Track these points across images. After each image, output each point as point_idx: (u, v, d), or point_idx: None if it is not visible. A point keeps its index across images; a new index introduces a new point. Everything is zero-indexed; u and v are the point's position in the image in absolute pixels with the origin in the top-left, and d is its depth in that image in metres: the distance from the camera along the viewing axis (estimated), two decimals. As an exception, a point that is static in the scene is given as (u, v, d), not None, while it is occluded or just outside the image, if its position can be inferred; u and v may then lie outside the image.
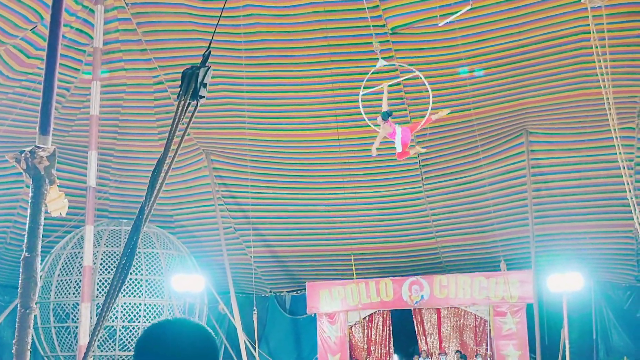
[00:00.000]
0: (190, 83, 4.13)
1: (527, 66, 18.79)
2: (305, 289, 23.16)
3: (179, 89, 4.23)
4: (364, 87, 15.69)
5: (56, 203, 5.01)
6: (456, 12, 16.33)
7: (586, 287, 20.45)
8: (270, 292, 25.19)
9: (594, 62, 15.48)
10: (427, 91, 15.23)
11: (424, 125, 16.00)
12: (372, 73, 15.66)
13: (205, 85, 4.15)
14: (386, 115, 15.01)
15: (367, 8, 18.07)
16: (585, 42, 16.99)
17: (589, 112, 18.65)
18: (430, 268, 23.00)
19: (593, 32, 15.38)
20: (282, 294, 25.15)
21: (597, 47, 15.31)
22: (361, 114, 20.23)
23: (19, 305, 4.68)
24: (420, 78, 15.44)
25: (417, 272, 22.57)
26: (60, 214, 5.08)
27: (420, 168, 21.22)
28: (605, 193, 20.16)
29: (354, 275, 21.50)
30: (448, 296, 21.74)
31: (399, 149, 15.18)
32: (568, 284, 19.52)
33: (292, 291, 24.90)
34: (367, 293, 22.23)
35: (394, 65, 15.98)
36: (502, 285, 21.00)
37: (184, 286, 20.72)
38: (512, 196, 21.24)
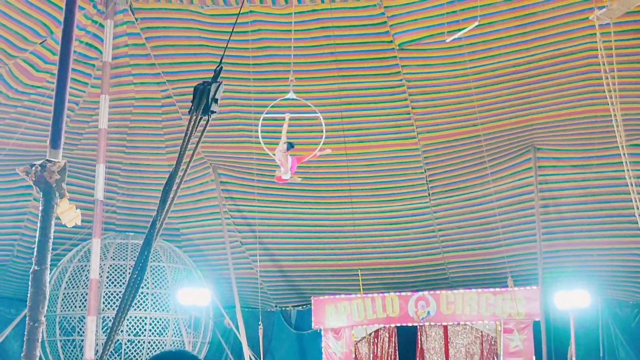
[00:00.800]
0: (202, 98, 4.15)
1: (534, 82, 18.81)
2: (311, 303, 23.09)
3: (191, 104, 4.25)
4: (266, 113, 16.12)
5: (69, 214, 5.03)
6: (463, 29, 16.40)
7: (593, 304, 20.37)
8: (276, 306, 25.14)
9: (602, 78, 15.49)
10: (322, 131, 15.84)
11: (309, 158, 16.78)
12: (282, 99, 15.96)
13: (216, 101, 4.17)
14: (290, 146, 15.76)
15: (374, 24, 18.19)
16: (593, 59, 17.00)
17: (596, 129, 18.63)
18: (437, 284, 22.92)
19: (601, 49, 15.40)
20: (287, 308, 25.10)
21: (604, 64, 15.32)
22: (368, 128, 20.42)
23: (27, 319, 4.69)
24: (320, 119, 15.83)
25: (423, 287, 22.49)
26: (76, 223, 5.11)
27: (427, 183, 21.22)
28: (613, 210, 20.10)
29: (361, 290, 21.44)
30: (455, 312, 21.64)
31: (285, 176, 15.89)
32: (575, 301, 19.45)
33: (298, 306, 24.84)
34: (373, 309, 22.15)
35: (302, 100, 16.32)
36: (509, 302, 20.90)
37: (190, 300, 20.71)
38: (519, 212, 21.20)
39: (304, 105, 16.40)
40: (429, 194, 21.42)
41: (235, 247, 22.80)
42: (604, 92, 15.44)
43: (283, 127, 15.61)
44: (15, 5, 16.96)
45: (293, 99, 15.80)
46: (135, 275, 3.78)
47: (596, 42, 15.65)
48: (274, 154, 15.69)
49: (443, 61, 18.82)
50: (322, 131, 15.48)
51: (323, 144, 15.75)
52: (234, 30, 17.76)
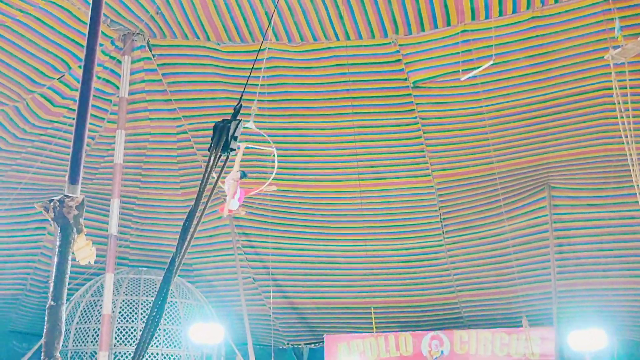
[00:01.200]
0: (222, 136, 4.17)
1: (549, 121, 18.83)
2: (323, 341, 22.93)
3: (211, 141, 4.27)
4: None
5: (84, 251, 5.04)
6: (478, 67, 16.46)
7: (610, 345, 20.12)
8: (288, 344, 24.97)
9: (617, 117, 15.48)
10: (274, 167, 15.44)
11: (255, 193, 16.52)
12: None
13: (236, 138, 4.20)
14: (243, 175, 15.28)
15: (389, 62, 18.29)
16: (608, 98, 16.99)
17: (611, 168, 18.57)
18: (451, 323, 22.74)
19: (616, 88, 15.41)
20: (300, 346, 24.92)
21: (619, 103, 15.33)
22: (382, 166, 20.43)
23: (42, 354, 4.69)
24: (274, 155, 15.45)
25: (437, 326, 22.31)
26: (89, 262, 5.11)
27: (442, 221, 21.15)
28: (629, 249, 19.97)
29: (374, 328, 21.29)
30: (468, 352, 21.43)
31: (231, 206, 15.29)
32: (591, 341, 19.23)
33: (311, 343, 24.66)
34: (386, 347, 21.97)
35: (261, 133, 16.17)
36: (524, 342, 20.68)
37: (202, 336, 20.60)
38: (534, 251, 21.06)
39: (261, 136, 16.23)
40: (443, 232, 21.34)
41: (248, 284, 22.74)
42: (619, 130, 15.42)
43: (237, 156, 15.18)
44: (34, 41, 17.18)
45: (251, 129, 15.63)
46: (154, 312, 3.77)
47: (611, 81, 15.68)
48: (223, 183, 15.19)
49: (458, 99, 18.87)
50: (273, 167, 15.16)
51: (273, 179, 15.42)
52: (248, 67, 17.91)
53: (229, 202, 14.87)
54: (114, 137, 18.43)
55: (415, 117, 19.19)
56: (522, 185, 20.29)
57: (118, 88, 18.59)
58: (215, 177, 4.36)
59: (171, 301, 20.98)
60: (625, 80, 15.56)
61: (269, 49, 18.31)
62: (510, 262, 20.75)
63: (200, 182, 4.17)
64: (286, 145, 20.24)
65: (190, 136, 20.30)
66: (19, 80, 17.84)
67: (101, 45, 17.76)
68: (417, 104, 19.02)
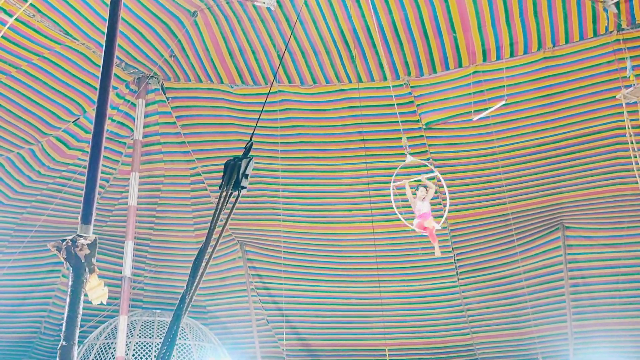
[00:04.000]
0: (233, 173, 4.20)
1: (562, 161, 18.82)
2: (337, 383, 22.75)
3: (222, 179, 4.31)
4: (394, 182, 15.80)
5: (96, 291, 5.05)
6: (490, 108, 16.54)
7: (626, 385, 19.87)
8: (302, 386, 24.78)
9: (630, 157, 15.49)
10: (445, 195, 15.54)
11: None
12: (401, 168, 15.77)
13: (247, 176, 4.23)
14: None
15: (401, 104, 18.40)
16: (621, 138, 17.04)
17: (625, 207, 18.50)
18: (466, 364, 22.53)
19: (628, 128, 15.46)
20: (314, 388, 24.72)
21: (632, 142, 15.34)
22: (394, 207, 20.41)
23: (55, 395, 4.68)
24: (440, 180, 15.46)
25: (452, 368, 22.11)
26: (102, 302, 5.12)
27: (455, 262, 21.06)
28: (645, 289, 19.80)
29: (388, 370, 21.09)
30: (484, 394, 21.22)
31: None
32: (608, 382, 19.00)
33: (324, 386, 24.46)
34: (401, 389, 21.78)
35: (423, 161, 16.22)
36: (540, 384, 20.46)
37: (216, 379, 20.47)
38: (549, 292, 20.89)
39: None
40: (457, 273, 21.24)
41: (261, 325, 22.63)
42: (633, 170, 15.40)
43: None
44: (50, 84, 17.40)
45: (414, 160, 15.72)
46: (164, 350, 3.77)
47: (623, 120, 15.74)
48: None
49: (470, 140, 18.92)
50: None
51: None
52: (263, 109, 18.07)
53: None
54: (128, 179, 18.53)
55: (428, 159, 19.22)
56: (536, 226, 20.21)
57: (132, 131, 18.75)
58: (226, 216, 4.38)
59: (185, 344, 20.88)
60: (637, 119, 15.64)
61: (281, 91, 18.51)
62: (525, 303, 20.60)
63: (210, 219, 4.19)
64: (299, 187, 20.32)
65: (203, 178, 20.40)
66: (35, 123, 18.04)
67: (116, 88, 18.00)
68: (429, 145, 19.08)
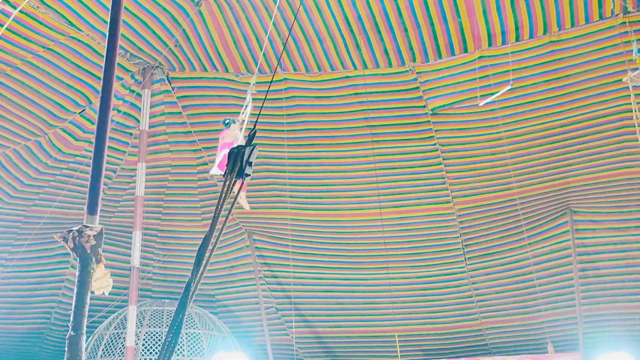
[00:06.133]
0: (237, 161, 4.20)
1: (569, 145, 18.76)
2: (347, 371, 22.82)
3: (226, 167, 4.30)
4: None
5: (101, 282, 5.06)
6: (496, 92, 16.49)
7: (637, 369, 19.85)
8: (312, 373, 24.86)
9: (637, 140, 15.43)
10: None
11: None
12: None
13: (251, 164, 4.23)
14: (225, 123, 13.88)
15: (407, 90, 18.36)
16: (628, 121, 16.98)
17: (633, 191, 18.46)
18: (475, 350, 22.52)
19: (635, 111, 15.39)
20: (324, 375, 24.79)
21: (639, 126, 15.27)
22: (403, 193, 20.40)
23: (63, 385, 4.70)
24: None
25: (461, 353, 22.11)
26: (104, 292, 5.13)
27: (463, 248, 21.05)
28: (654, 272, 19.77)
29: (398, 356, 21.12)
30: (494, 379, 21.24)
31: (214, 171, 13.76)
32: (618, 366, 18.97)
33: (334, 373, 24.53)
34: (411, 375, 21.83)
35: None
36: (549, 368, 20.46)
37: (226, 367, 20.54)
38: (557, 276, 20.88)
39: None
40: (465, 259, 21.23)
41: (270, 313, 22.69)
42: (640, 153, 15.35)
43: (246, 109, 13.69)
44: (55, 76, 17.41)
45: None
46: (170, 338, 3.78)
47: (630, 103, 15.67)
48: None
49: (476, 125, 18.88)
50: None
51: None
52: (267, 97, 18.04)
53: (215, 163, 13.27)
54: (135, 169, 18.56)
55: (435, 144, 19.21)
56: (544, 210, 20.19)
57: (138, 121, 18.77)
58: (231, 203, 4.38)
59: (194, 333, 20.96)
60: (644, 102, 15.55)
61: (287, 79, 18.49)
62: (533, 288, 20.61)
63: (215, 207, 4.20)
64: (306, 175, 20.33)
65: (210, 167, 20.41)
66: (41, 115, 18.07)
67: (121, 79, 18.01)
68: (436, 130, 19.05)
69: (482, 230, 20.74)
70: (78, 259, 4.95)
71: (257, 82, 18.55)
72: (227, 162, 4.27)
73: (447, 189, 20.01)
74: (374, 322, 22.60)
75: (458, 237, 20.84)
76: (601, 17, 16.36)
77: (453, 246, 21.06)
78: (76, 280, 4.92)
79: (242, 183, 4.36)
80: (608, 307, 20.67)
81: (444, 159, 19.57)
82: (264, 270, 22.51)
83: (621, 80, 16.05)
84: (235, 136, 13.36)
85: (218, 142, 13.99)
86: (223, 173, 11.87)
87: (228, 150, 11.76)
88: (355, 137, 19.62)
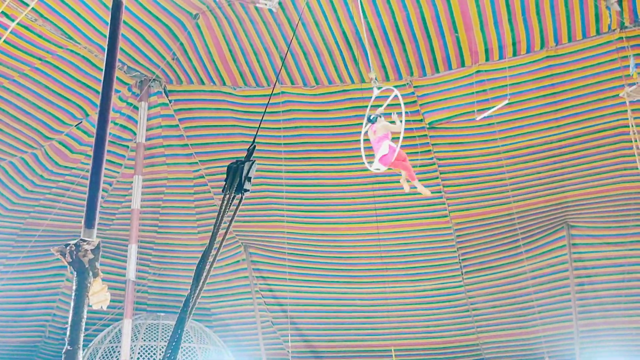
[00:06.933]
0: (235, 176, 4.18)
1: (566, 160, 18.80)
2: (343, 385, 22.72)
3: (224, 182, 4.28)
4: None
5: (98, 296, 5.02)
6: (493, 107, 16.51)
7: (633, 384, 19.83)
8: (308, 388, 24.74)
9: (634, 155, 15.45)
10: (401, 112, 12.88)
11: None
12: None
13: (249, 179, 4.21)
14: (369, 120, 13.41)
15: (405, 103, 18.34)
16: (625, 136, 17.00)
17: (630, 205, 18.46)
18: (472, 364, 22.49)
19: (632, 126, 15.42)
20: (319, 390, 24.68)
21: (636, 141, 15.31)
22: (400, 207, 20.39)
23: (59, 400, 4.66)
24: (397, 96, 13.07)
25: (458, 368, 22.08)
26: (102, 307, 5.09)
27: (460, 262, 21.03)
28: (651, 288, 19.76)
29: (394, 371, 21.07)
30: (490, 394, 21.18)
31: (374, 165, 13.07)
32: (615, 382, 18.95)
33: (330, 387, 24.43)
34: (407, 390, 21.75)
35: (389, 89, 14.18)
36: (547, 383, 20.41)
37: (221, 381, 20.45)
38: (554, 290, 20.86)
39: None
40: (462, 273, 21.21)
41: (266, 327, 22.61)
42: (637, 168, 15.37)
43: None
44: (53, 88, 17.40)
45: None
46: (168, 354, 3.75)
47: (627, 118, 15.71)
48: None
49: (474, 139, 18.89)
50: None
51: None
52: (266, 111, 18.03)
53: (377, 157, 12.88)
54: (132, 182, 18.52)
55: (432, 158, 19.21)
56: (541, 225, 20.18)
57: (135, 134, 18.75)
58: (230, 219, 4.35)
59: (189, 346, 20.86)
60: (641, 117, 15.59)
61: (284, 92, 18.50)
62: (530, 302, 20.58)
63: (214, 223, 4.17)
64: (303, 188, 20.31)
65: (207, 180, 20.38)
66: (38, 128, 18.04)
67: (118, 91, 18.00)
68: (433, 144, 19.06)
69: (479, 244, 20.71)
70: (75, 273, 4.92)
71: (254, 95, 18.63)
72: (226, 177, 4.25)
73: (444, 203, 20.00)
74: (370, 336, 22.53)
75: (455, 251, 20.82)
76: (598, 33, 16.40)
77: (450, 260, 21.04)
78: (73, 294, 4.88)
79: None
80: (605, 322, 20.63)
81: (440, 173, 19.57)
82: (260, 284, 22.45)
83: (618, 95, 16.09)
84: (386, 127, 13.06)
85: (367, 138, 13.31)
86: (386, 167, 11.58)
87: (387, 143, 11.43)
88: (352, 151, 19.58)
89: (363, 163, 19.38)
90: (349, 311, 22.39)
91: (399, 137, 12.54)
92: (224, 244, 4.48)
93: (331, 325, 22.75)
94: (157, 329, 21.05)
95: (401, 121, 12.70)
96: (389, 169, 13.33)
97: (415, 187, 13.78)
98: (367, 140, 13.44)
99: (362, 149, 13.31)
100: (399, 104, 12.75)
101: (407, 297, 21.81)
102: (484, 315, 21.86)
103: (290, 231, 20.50)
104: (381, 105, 13.60)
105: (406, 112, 18.00)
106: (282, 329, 22.48)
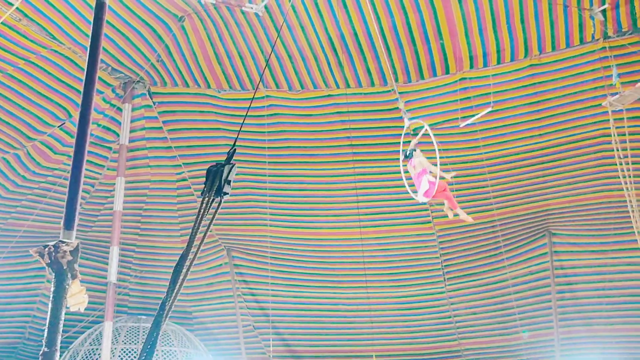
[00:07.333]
0: (215, 180, 4.17)
1: (549, 167, 18.90)
2: (324, 390, 22.69)
3: (204, 185, 4.28)
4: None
5: (76, 298, 5.00)
6: (477, 114, 16.58)
7: (612, 392, 19.91)
8: (289, 392, 24.69)
9: (616, 164, 15.55)
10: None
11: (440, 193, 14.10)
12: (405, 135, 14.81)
13: (229, 182, 4.19)
14: (405, 156, 14.21)
15: (389, 109, 18.41)
16: (607, 145, 17.10)
17: (612, 214, 18.56)
18: (453, 371, 22.52)
19: (614, 135, 15.53)
20: (300, 395, 24.64)
21: (618, 150, 15.41)
22: (383, 213, 20.41)
23: (35, 402, 4.63)
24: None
25: (439, 374, 22.10)
26: (79, 309, 5.07)
27: (443, 268, 21.07)
28: (630, 296, 19.85)
29: (375, 376, 21.06)
30: (471, 400, 21.22)
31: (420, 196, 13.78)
32: (594, 389, 19.03)
33: (311, 392, 24.39)
34: (388, 395, 21.74)
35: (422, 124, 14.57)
36: (527, 389, 20.49)
37: (202, 385, 20.37)
38: (535, 298, 20.94)
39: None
40: (445, 279, 21.24)
41: (248, 332, 22.55)
42: (618, 177, 15.46)
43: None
44: (36, 89, 17.31)
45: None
46: (143, 357, 3.73)
47: (609, 127, 15.81)
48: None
49: (457, 146, 18.95)
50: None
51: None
52: (250, 114, 18.04)
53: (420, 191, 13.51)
54: (114, 184, 18.45)
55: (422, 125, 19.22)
56: (523, 232, 20.26)
57: (118, 135, 18.68)
58: (209, 221, 4.34)
59: (170, 350, 20.78)
60: (623, 127, 15.71)
61: (269, 96, 18.50)
62: (512, 309, 20.63)
63: (192, 225, 4.16)
64: (286, 192, 20.30)
65: (190, 183, 20.32)
66: (21, 128, 17.94)
67: (102, 92, 17.94)
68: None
69: (461, 251, 20.76)
70: (54, 275, 4.89)
71: (239, 99, 18.60)
72: (205, 180, 4.24)
73: (428, 209, 20.03)
74: (352, 341, 22.51)
75: (438, 257, 20.86)
76: (582, 42, 16.52)
77: (433, 267, 21.07)
78: (51, 295, 4.85)
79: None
80: (585, 329, 20.73)
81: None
82: (242, 288, 22.39)
83: (601, 104, 16.20)
84: (422, 163, 13.83)
85: (410, 175, 14.08)
86: (430, 199, 12.08)
87: (426, 177, 11.93)
88: (337, 156, 19.63)
89: (347, 168, 19.51)
90: (331, 316, 22.37)
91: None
92: (204, 247, 4.47)
93: (313, 330, 22.72)
94: (138, 331, 20.95)
95: (437, 165, 13.31)
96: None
97: (458, 215, 14.52)
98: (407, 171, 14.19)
99: (405, 182, 14.04)
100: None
101: (389, 302, 21.82)
102: (466, 322, 21.91)
103: (273, 235, 20.46)
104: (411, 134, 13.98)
105: (391, 118, 18.21)
106: (263, 334, 22.43)
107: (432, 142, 13.19)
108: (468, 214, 19.90)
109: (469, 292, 21.45)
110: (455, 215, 14.39)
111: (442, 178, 13.58)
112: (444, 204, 14.49)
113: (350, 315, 22.21)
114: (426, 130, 13.72)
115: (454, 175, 14.40)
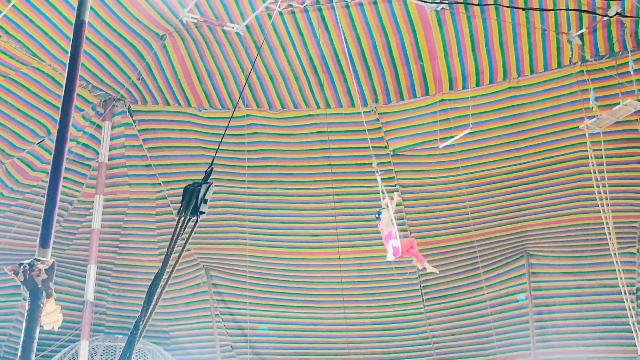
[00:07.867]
0: (192, 199, 4.18)
1: (526, 189, 19.03)
2: (302, 410, 22.56)
3: (180, 204, 4.28)
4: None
5: (51, 316, 4.97)
6: (456, 136, 16.69)
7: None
8: (266, 413, 24.53)
9: (593, 187, 15.68)
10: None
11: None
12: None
13: (206, 202, 4.20)
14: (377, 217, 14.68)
15: (369, 130, 18.47)
16: (584, 167, 17.25)
17: (589, 236, 18.68)
18: (431, 391, 22.48)
19: (591, 158, 15.68)
20: (278, 416, 24.48)
21: (595, 172, 15.55)
22: (362, 233, 20.43)
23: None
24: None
25: (417, 395, 22.05)
26: (53, 327, 5.03)
27: (421, 289, 21.09)
28: (607, 318, 19.92)
29: (353, 397, 20.99)
30: (448, 421, 21.17)
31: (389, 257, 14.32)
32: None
33: (289, 413, 24.24)
34: (366, 416, 21.66)
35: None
36: (504, 411, 20.48)
37: (178, 406, 20.21)
38: (513, 319, 20.99)
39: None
40: (423, 300, 21.26)
41: (225, 351, 22.42)
42: (595, 199, 15.59)
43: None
44: (15, 105, 17.23)
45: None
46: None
47: (587, 150, 15.95)
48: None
49: (436, 167, 19.06)
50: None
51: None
52: (230, 133, 18.06)
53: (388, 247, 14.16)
54: (93, 202, 18.35)
55: (395, 185, 19.29)
56: (501, 253, 20.35)
57: (98, 153, 18.61)
58: (184, 241, 4.34)
59: (147, 369, 20.63)
60: (600, 149, 15.86)
61: (250, 115, 18.52)
62: (490, 330, 20.67)
63: (168, 244, 4.16)
64: (265, 212, 20.27)
65: (169, 202, 20.26)
66: (-1, 145, 17.85)
67: (82, 110, 17.88)
68: (396, 171, 19.17)
69: (440, 271, 20.74)
70: (28, 293, 4.86)
71: (219, 117, 18.61)
72: (182, 199, 4.24)
73: (407, 230, 20.05)
74: (329, 361, 22.46)
75: (416, 277, 20.87)
76: (559, 65, 16.71)
77: (411, 287, 21.08)
78: (25, 314, 4.82)
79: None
80: (563, 351, 20.78)
81: (403, 200, 19.63)
82: (220, 307, 22.28)
83: (578, 127, 16.36)
84: (387, 223, 14.21)
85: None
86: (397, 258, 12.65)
87: (393, 241, 12.52)
88: (316, 176, 19.66)
89: (326, 188, 19.51)
90: (309, 336, 22.30)
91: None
92: (182, 266, 4.46)
93: (290, 350, 22.62)
94: (115, 350, 20.80)
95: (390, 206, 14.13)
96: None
97: (426, 269, 15.15)
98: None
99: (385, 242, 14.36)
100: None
101: (367, 322, 21.79)
102: (444, 342, 21.90)
103: (251, 254, 20.40)
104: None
105: (371, 139, 18.26)
106: (241, 354, 22.31)
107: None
108: (446, 235, 20.13)
109: (447, 313, 21.46)
110: (423, 268, 15.08)
111: (397, 205, 14.69)
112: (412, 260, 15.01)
113: (328, 336, 22.15)
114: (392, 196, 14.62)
115: (399, 193, 15.46)
